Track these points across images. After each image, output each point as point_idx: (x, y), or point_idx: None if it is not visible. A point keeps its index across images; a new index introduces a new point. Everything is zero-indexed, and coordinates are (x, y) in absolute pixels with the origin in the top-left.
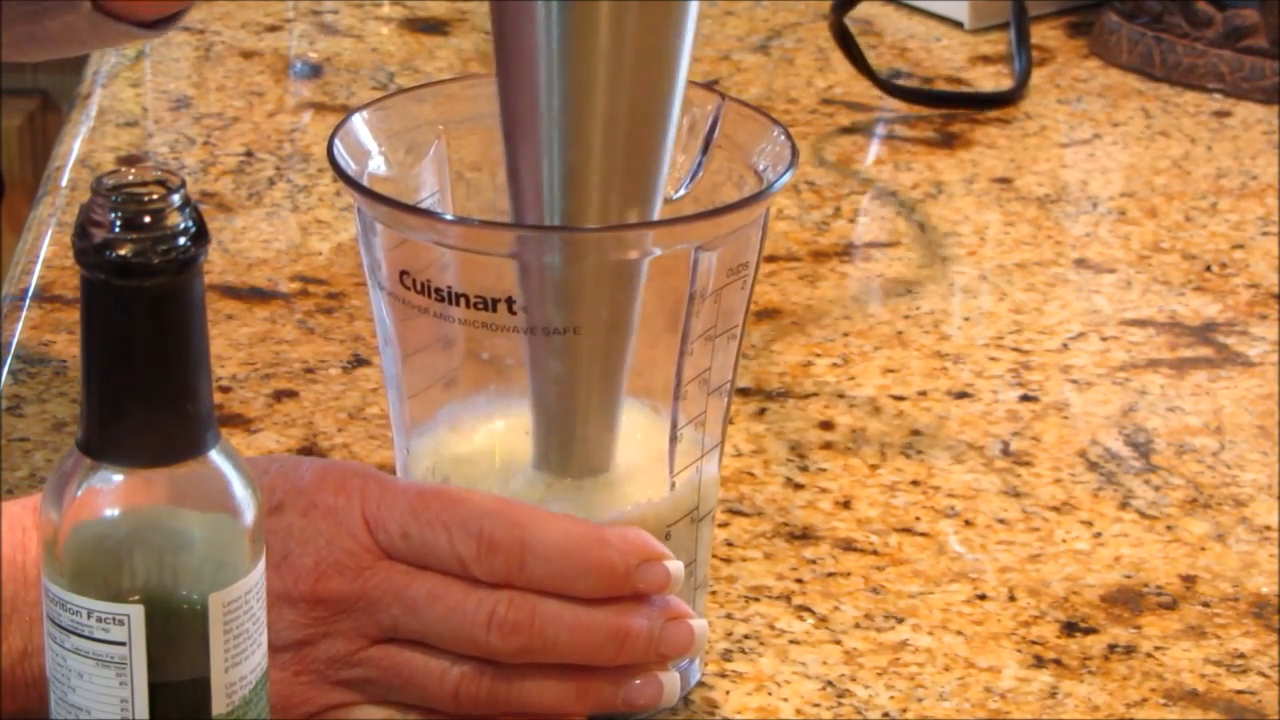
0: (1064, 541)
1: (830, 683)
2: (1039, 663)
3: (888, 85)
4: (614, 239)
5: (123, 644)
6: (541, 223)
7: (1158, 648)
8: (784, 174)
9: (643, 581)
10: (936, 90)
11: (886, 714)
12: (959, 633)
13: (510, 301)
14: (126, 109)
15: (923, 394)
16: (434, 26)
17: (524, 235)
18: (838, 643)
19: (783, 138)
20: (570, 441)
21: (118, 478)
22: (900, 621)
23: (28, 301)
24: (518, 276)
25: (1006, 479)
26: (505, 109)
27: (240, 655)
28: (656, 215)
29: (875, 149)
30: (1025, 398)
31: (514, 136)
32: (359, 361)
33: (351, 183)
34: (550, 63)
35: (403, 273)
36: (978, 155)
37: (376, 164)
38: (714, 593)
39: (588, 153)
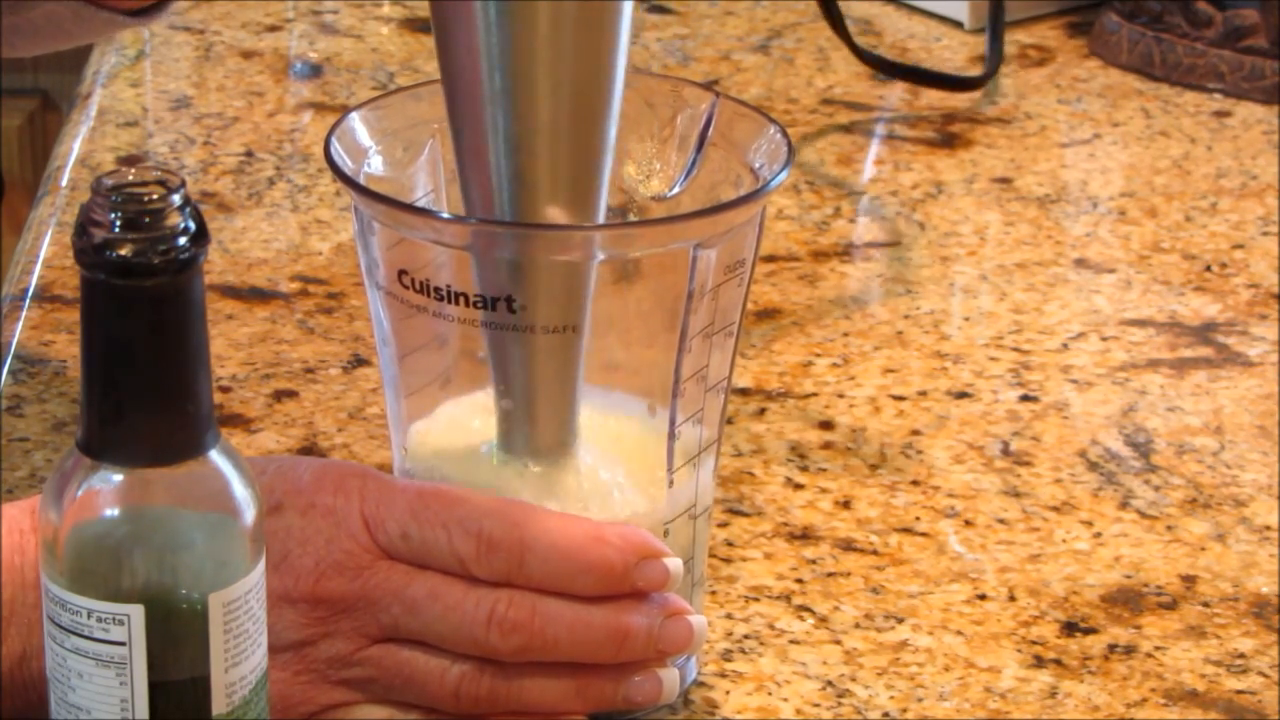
0: (1064, 541)
1: (830, 683)
2: (1039, 663)
3: (866, 54)
4: (614, 236)
5: (123, 644)
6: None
7: (1158, 648)
8: (780, 172)
9: (642, 579)
10: (909, 66)
11: (886, 714)
12: (959, 633)
13: (510, 300)
14: (126, 109)
15: (923, 394)
16: None
17: (524, 234)
18: (838, 643)
19: (779, 136)
20: (534, 429)
21: (118, 478)
22: (900, 621)
23: (28, 301)
24: (478, 272)
25: (1006, 479)
26: (452, 111)
27: (240, 655)
28: (602, 213)
29: (875, 149)
30: (1025, 398)
31: (461, 138)
32: (359, 361)
33: (348, 181)
34: (491, 64)
35: (400, 272)
36: (978, 155)
37: (374, 163)
38: (714, 592)
39: (533, 152)
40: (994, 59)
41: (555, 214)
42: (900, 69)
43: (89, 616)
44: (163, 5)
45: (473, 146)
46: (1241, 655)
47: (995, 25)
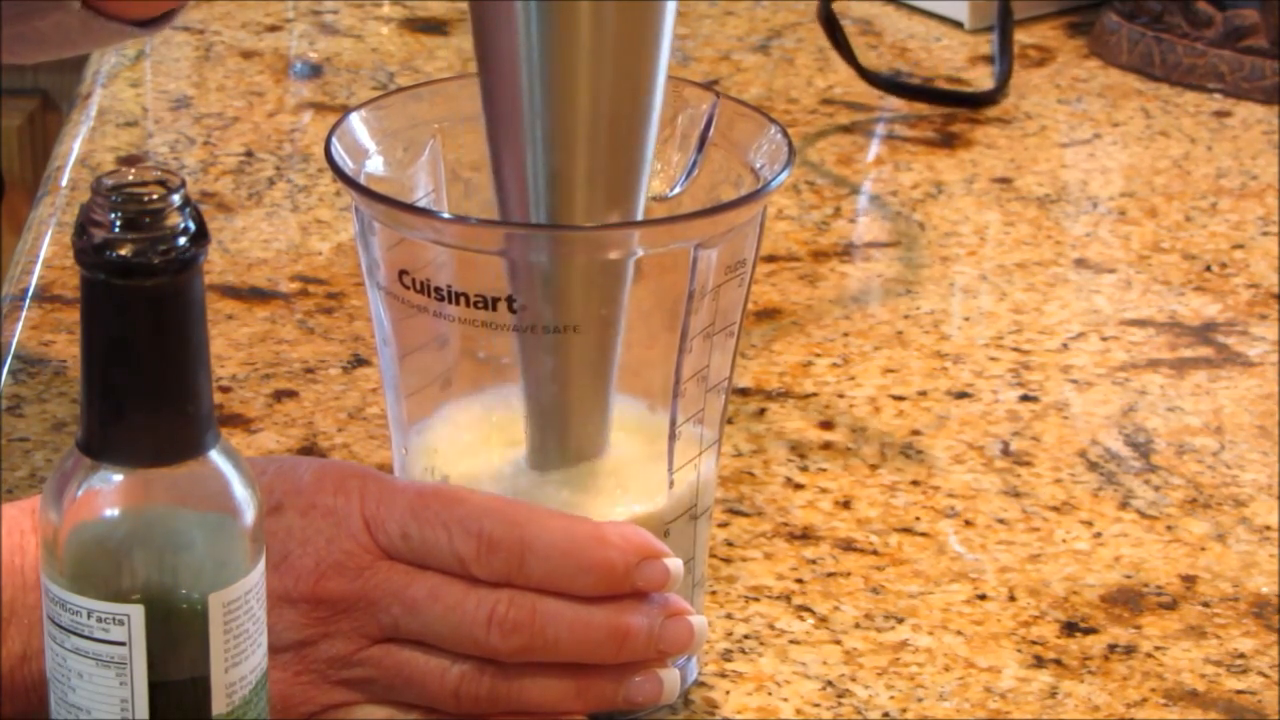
0: (1064, 541)
1: (830, 683)
2: (1039, 663)
3: (874, 77)
4: (614, 237)
5: (123, 644)
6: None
7: (1158, 648)
8: (781, 172)
9: (642, 579)
10: (919, 86)
11: (886, 714)
12: (959, 633)
13: (510, 300)
14: (126, 109)
15: (923, 394)
16: (434, 26)
17: (523, 234)
18: (838, 643)
19: (779, 136)
20: (565, 438)
21: (118, 478)
22: (900, 621)
23: (28, 301)
24: (512, 275)
25: (1006, 479)
26: (489, 111)
27: (240, 655)
28: (641, 214)
29: (875, 149)
30: (1025, 398)
31: (498, 138)
32: (359, 361)
33: (349, 181)
34: (531, 65)
35: (401, 272)
36: (978, 155)
37: (374, 163)
38: (714, 593)
39: (571, 154)
40: (1004, 68)
41: (594, 214)
42: (912, 90)
43: (89, 616)
44: (169, 15)
45: (509, 145)
46: (1241, 655)
47: (1004, 36)
